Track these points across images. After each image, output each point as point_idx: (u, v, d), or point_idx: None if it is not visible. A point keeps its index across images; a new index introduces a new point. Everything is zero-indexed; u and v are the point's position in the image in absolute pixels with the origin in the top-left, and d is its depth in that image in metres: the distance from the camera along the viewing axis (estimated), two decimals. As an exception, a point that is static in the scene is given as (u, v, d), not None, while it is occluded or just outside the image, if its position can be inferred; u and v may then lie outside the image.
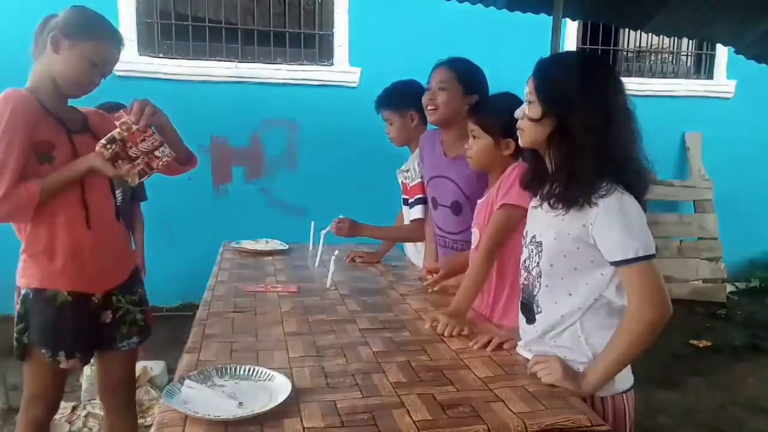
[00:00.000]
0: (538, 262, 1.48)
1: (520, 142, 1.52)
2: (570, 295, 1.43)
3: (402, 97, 2.54)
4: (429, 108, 2.20)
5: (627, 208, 1.33)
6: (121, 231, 2.03)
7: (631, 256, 1.31)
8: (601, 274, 1.40)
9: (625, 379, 1.47)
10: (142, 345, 2.12)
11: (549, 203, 1.42)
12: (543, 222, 1.47)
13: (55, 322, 1.85)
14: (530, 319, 1.53)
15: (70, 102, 1.94)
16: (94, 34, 1.82)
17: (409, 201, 2.58)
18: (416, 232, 2.56)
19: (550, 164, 1.45)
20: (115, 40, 1.87)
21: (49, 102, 1.83)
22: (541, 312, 1.49)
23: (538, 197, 1.50)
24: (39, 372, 1.90)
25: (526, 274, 1.54)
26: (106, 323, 1.99)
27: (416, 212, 2.53)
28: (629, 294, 1.36)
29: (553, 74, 1.43)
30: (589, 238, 1.37)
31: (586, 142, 1.35)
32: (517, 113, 1.49)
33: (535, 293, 1.50)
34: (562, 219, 1.41)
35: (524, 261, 1.55)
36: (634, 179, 1.38)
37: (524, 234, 1.57)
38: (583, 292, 1.42)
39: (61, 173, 1.78)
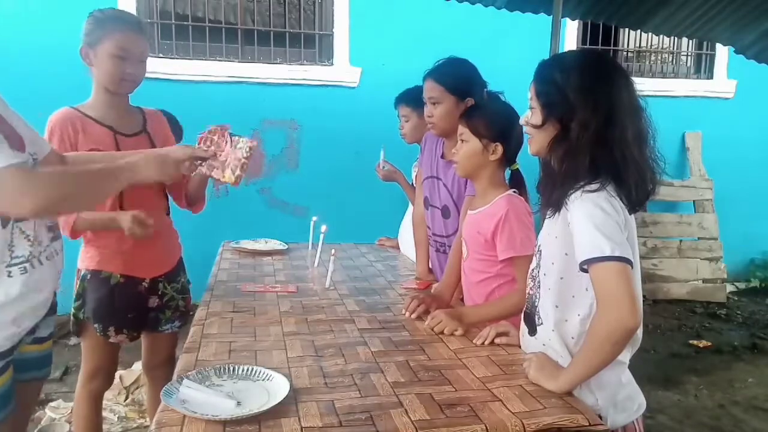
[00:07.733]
0: (539, 272, 1.44)
1: (529, 150, 1.46)
2: (557, 307, 1.39)
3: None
4: (428, 123, 2.17)
5: (603, 209, 1.25)
6: (170, 226, 2.29)
7: (597, 255, 1.21)
8: (586, 289, 1.33)
9: (637, 404, 1.42)
10: (181, 327, 2.30)
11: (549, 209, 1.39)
12: (544, 229, 1.44)
13: (108, 300, 2.06)
14: (531, 330, 1.49)
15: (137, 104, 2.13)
16: (107, 31, 1.92)
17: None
18: None
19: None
20: (129, 28, 1.95)
21: (98, 110, 1.99)
22: (542, 324, 1.44)
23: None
24: (93, 346, 2.13)
25: (531, 283, 1.49)
26: (152, 307, 2.19)
27: None
28: (597, 296, 1.25)
29: (551, 77, 1.37)
30: (570, 237, 1.30)
31: (582, 143, 1.30)
32: (522, 121, 1.45)
33: (536, 304, 1.46)
34: (554, 222, 1.38)
35: (531, 270, 1.50)
36: (633, 182, 1.30)
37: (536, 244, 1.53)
38: (570, 306, 1.36)
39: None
